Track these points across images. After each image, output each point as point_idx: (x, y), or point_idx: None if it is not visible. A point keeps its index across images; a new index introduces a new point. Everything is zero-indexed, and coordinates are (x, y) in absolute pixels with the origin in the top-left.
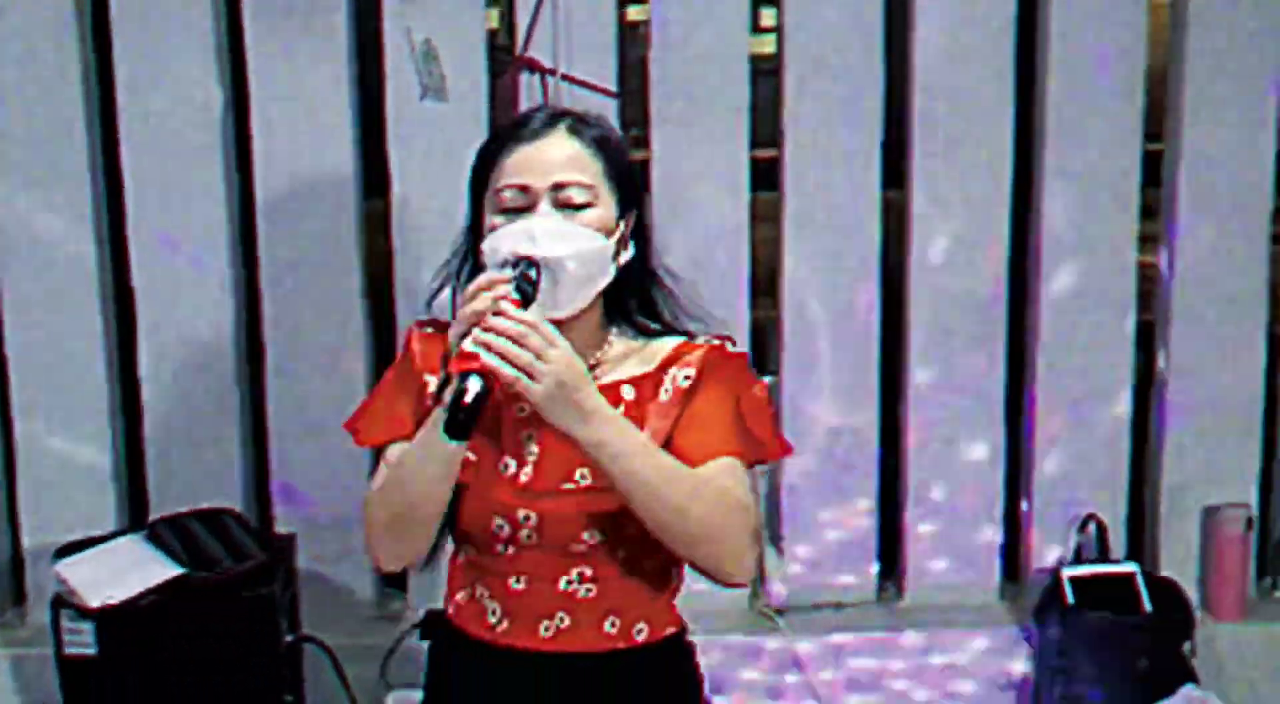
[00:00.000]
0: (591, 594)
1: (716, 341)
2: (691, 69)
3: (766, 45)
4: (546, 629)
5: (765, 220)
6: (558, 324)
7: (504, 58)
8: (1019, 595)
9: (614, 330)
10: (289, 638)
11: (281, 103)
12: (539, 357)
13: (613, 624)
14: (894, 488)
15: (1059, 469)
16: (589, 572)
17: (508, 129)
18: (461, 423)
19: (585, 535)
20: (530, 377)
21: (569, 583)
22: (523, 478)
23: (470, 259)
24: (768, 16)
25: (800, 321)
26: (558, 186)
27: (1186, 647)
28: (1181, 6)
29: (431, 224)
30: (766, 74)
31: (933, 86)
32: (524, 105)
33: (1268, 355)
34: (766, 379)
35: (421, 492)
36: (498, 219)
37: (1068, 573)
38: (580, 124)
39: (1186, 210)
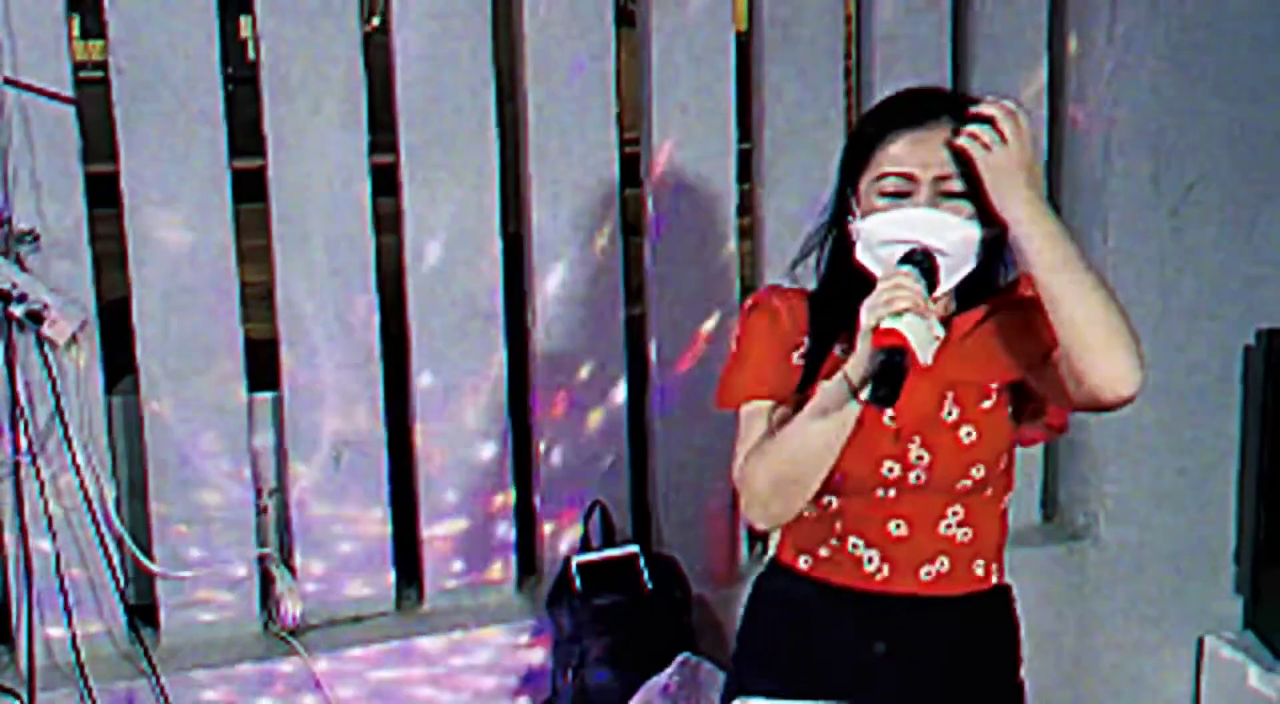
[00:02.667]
0: (969, 538)
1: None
2: (161, 76)
3: None
4: (928, 574)
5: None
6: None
7: None
8: (537, 586)
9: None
10: None
11: None
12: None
13: (980, 566)
14: (407, 494)
15: (563, 461)
16: (962, 514)
17: (891, 113)
18: (890, 390)
19: (973, 471)
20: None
21: (948, 527)
22: (899, 424)
23: (835, 229)
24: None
25: (298, 334)
26: (940, 178)
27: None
28: None
29: None
30: (246, 83)
31: (414, 92)
32: None
33: None
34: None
35: (818, 454)
36: (880, 201)
37: (577, 560)
38: (963, 110)
39: (664, 205)
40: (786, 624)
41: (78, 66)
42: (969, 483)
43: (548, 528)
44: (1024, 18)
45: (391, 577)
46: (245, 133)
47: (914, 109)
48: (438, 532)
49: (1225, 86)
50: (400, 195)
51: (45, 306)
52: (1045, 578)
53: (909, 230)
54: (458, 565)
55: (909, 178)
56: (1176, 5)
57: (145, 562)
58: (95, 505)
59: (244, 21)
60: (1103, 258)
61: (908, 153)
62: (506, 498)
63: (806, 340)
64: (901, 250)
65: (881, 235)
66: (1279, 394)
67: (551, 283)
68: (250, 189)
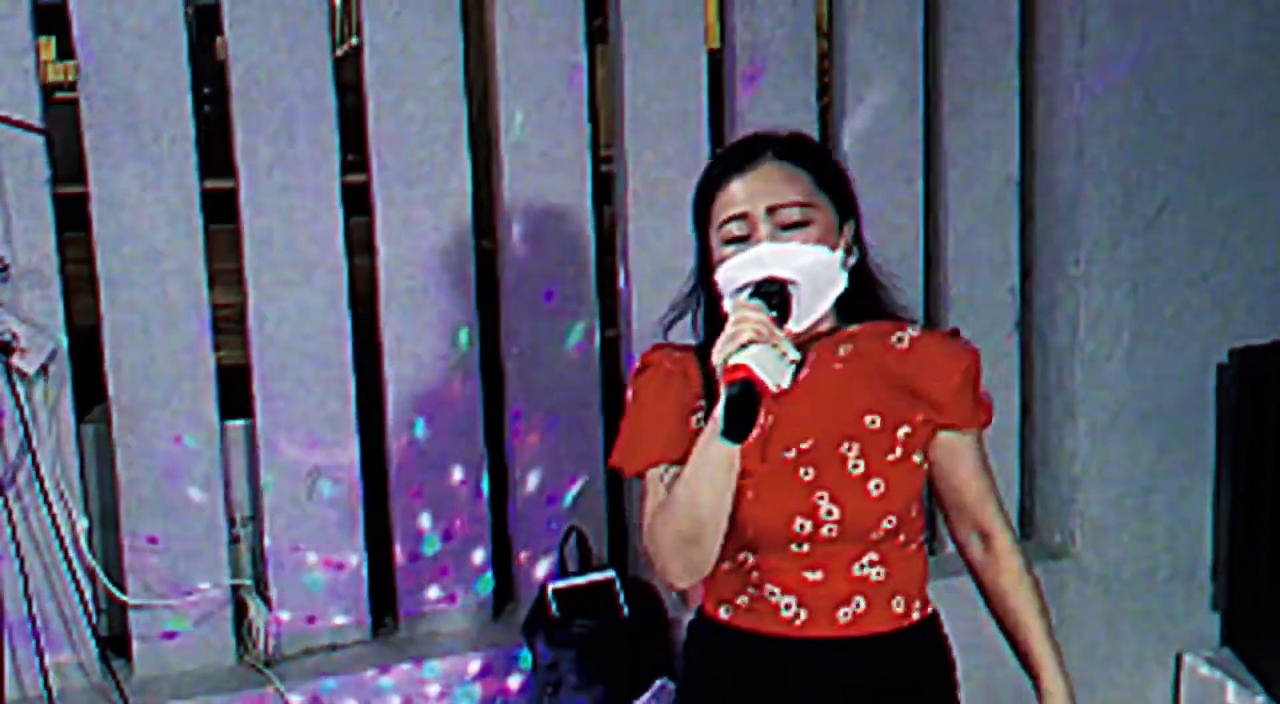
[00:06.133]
0: (882, 576)
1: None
2: (132, 99)
3: None
4: (845, 615)
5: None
6: (795, 336)
7: None
8: (514, 613)
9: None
10: None
11: None
12: None
13: (899, 604)
14: (382, 521)
15: (539, 486)
16: (877, 556)
17: (718, 164)
18: (741, 425)
19: (885, 523)
20: None
21: (862, 569)
22: (819, 476)
23: (703, 288)
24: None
25: (270, 360)
26: (772, 210)
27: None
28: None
29: None
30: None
31: (386, 112)
32: None
33: None
34: (246, 420)
35: (709, 503)
36: (726, 249)
37: (553, 586)
38: (785, 146)
39: (637, 224)
40: (715, 677)
41: (54, 87)
42: (880, 534)
43: (524, 554)
44: (994, 40)
45: (366, 605)
46: (223, 152)
47: (737, 154)
48: (413, 559)
49: (1194, 109)
50: (373, 216)
51: (14, 336)
52: None
53: (758, 268)
54: (433, 593)
55: (744, 218)
56: (1144, 29)
57: (117, 593)
58: (66, 536)
59: (220, 42)
60: (1075, 279)
61: (737, 194)
62: (482, 524)
63: (703, 402)
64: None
65: (735, 281)
66: (1253, 412)
67: (526, 305)
68: (231, 209)
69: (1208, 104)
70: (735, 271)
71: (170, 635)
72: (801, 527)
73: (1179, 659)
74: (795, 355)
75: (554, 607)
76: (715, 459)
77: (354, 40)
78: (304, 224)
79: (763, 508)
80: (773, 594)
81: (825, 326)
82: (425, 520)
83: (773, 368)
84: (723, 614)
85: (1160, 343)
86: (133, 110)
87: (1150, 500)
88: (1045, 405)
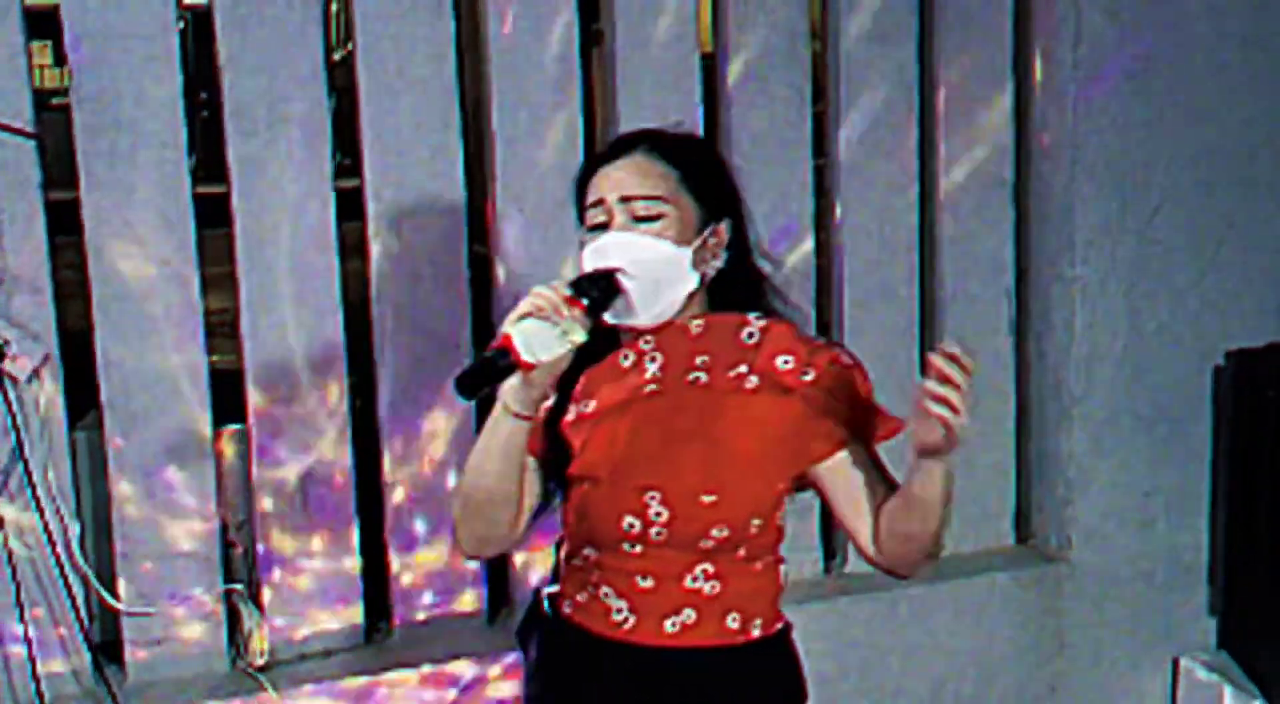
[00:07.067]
0: (716, 590)
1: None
2: (123, 106)
3: None
4: (672, 625)
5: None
6: (653, 330)
7: None
8: (509, 619)
9: None
10: None
11: None
12: None
13: (734, 620)
14: (376, 526)
15: None
16: (712, 569)
17: (599, 152)
18: (472, 383)
19: (714, 532)
20: None
21: (694, 580)
22: (653, 478)
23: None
24: None
25: (263, 365)
26: (625, 200)
27: None
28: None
29: None
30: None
31: (379, 117)
32: None
33: None
34: (240, 425)
35: (491, 474)
36: (588, 235)
37: (547, 591)
38: (660, 140)
39: None
40: (552, 669)
41: (51, 93)
42: (711, 543)
43: (518, 559)
44: (989, 42)
45: (360, 610)
46: (223, 156)
47: (614, 145)
48: (407, 564)
49: (1189, 111)
50: (366, 221)
51: (6, 342)
52: (1019, 601)
53: (601, 258)
54: (428, 598)
55: (600, 204)
56: (1139, 31)
57: (110, 598)
58: (59, 542)
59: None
60: (1071, 281)
61: (601, 182)
62: None
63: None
64: None
65: (587, 269)
66: (1249, 415)
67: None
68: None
69: (1203, 106)
70: (587, 261)
71: (163, 642)
72: (631, 526)
73: (1175, 663)
74: (580, 337)
75: (548, 612)
76: (498, 431)
77: (349, 46)
78: (297, 229)
79: (596, 503)
80: (606, 595)
81: (694, 323)
82: (420, 525)
83: (538, 343)
84: (565, 608)
85: (1157, 345)
86: (125, 115)
87: (1147, 503)
88: (1041, 408)
